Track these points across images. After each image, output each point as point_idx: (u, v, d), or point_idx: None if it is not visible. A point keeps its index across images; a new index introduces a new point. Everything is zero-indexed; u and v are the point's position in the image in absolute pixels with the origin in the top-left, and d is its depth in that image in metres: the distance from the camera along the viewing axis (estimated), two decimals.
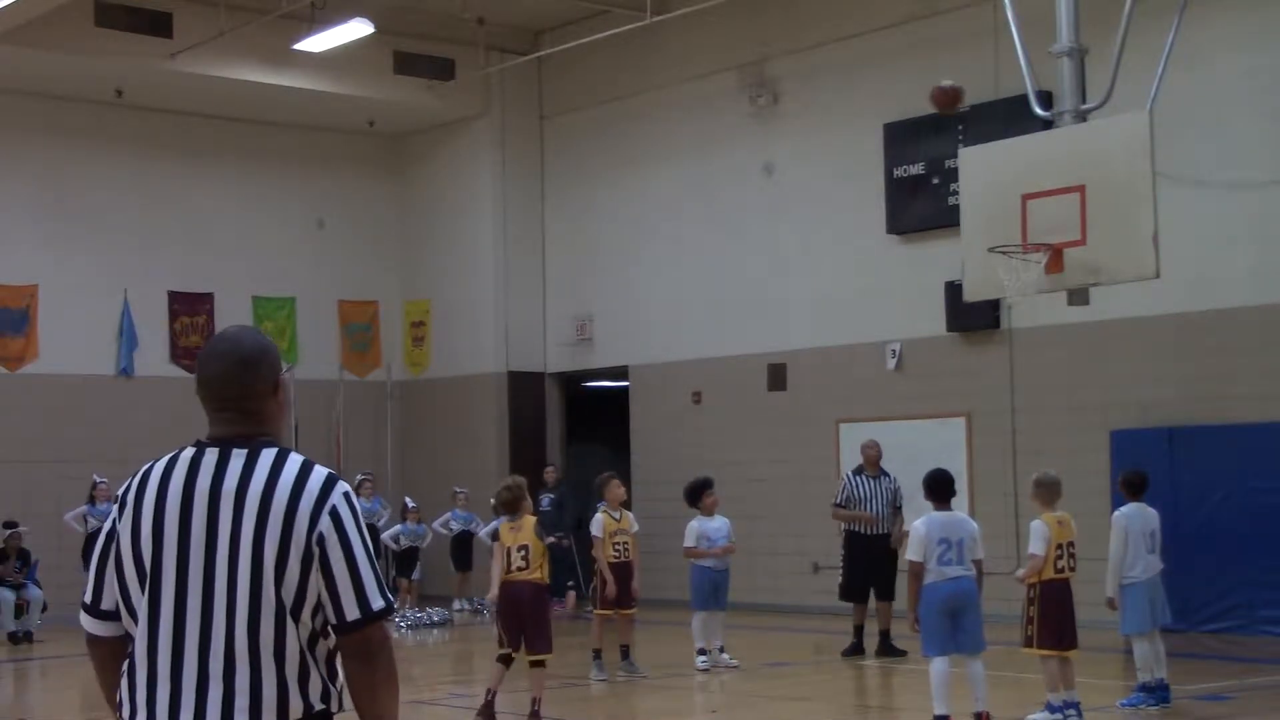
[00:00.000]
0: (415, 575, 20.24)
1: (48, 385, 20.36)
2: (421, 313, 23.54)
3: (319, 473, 3.45)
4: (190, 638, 3.37)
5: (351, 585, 3.41)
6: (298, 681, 3.37)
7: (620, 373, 21.89)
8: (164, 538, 3.42)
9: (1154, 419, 15.82)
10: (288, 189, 22.87)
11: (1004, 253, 12.46)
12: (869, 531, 14.73)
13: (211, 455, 3.48)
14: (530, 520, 10.95)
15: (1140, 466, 12.04)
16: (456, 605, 20.27)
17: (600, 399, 23.11)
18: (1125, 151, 12.17)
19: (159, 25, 19.52)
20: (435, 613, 19.22)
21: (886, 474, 14.96)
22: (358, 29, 19.43)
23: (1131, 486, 11.47)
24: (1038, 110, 13.19)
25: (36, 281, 20.66)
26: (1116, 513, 11.50)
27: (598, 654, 13.55)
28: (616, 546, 13.58)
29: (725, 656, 14.04)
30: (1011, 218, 12.54)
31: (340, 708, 3.48)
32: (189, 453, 3.52)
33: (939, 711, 9.91)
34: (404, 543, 20.06)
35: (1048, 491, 10.49)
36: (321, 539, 3.39)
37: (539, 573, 10.82)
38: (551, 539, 11.00)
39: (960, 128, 17.33)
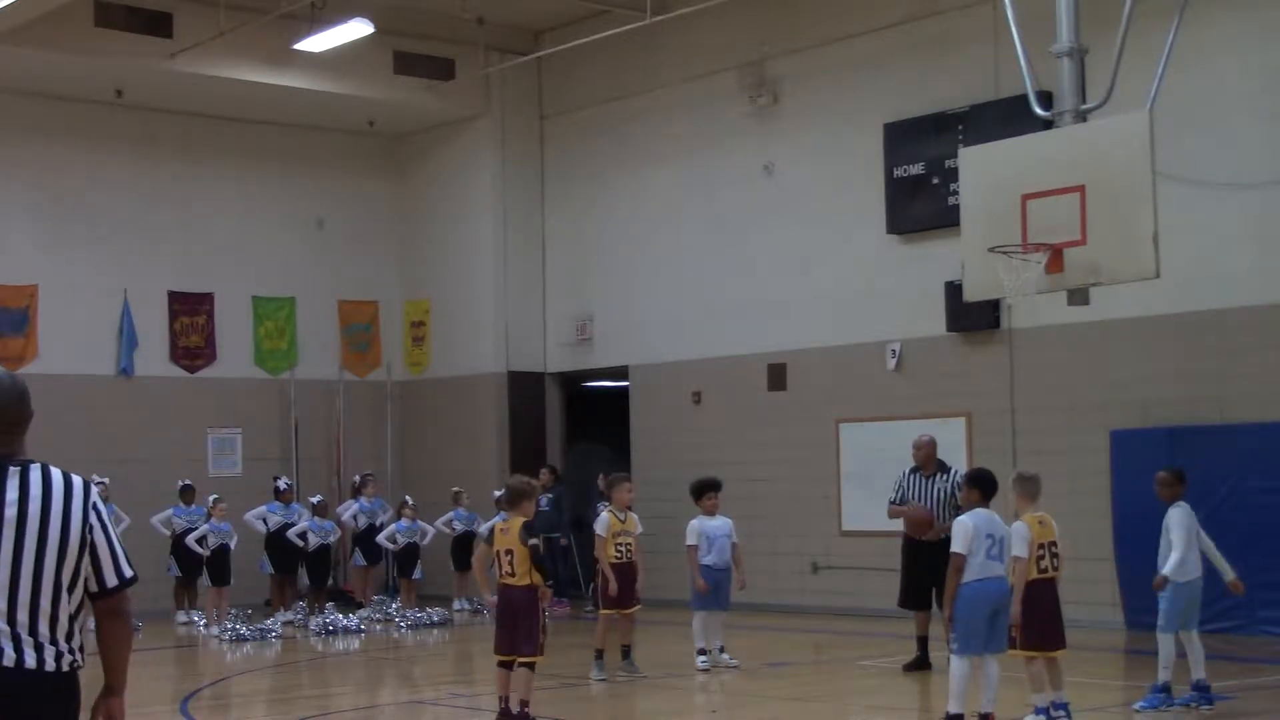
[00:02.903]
0: (416, 574, 20.22)
1: (48, 385, 20.25)
2: (421, 313, 23.55)
3: (77, 479, 4.53)
4: None
5: (111, 561, 4.53)
6: (65, 640, 4.44)
7: (620, 373, 21.89)
8: None
9: (1154, 419, 15.83)
10: (288, 189, 22.87)
11: (1004, 253, 12.46)
12: (920, 536, 13.49)
13: None
14: (518, 523, 10.84)
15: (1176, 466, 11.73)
16: (456, 605, 20.26)
17: (600, 399, 23.11)
18: (1125, 151, 12.16)
19: (159, 25, 19.52)
20: (435, 613, 19.20)
21: (946, 470, 13.73)
22: (358, 29, 19.43)
23: (1183, 480, 11.23)
24: (1038, 110, 13.19)
25: (36, 281, 20.67)
26: (1175, 506, 11.19)
27: (599, 654, 13.53)
28: (619, 547, 13.57)
29: (725, 656, 14.02)
30: (1011, 218, 12.53)
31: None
32: None
33: (955, 710, 9.85)
34: (401, 540, 20.03)
35: (1030, 487, 10.38)
36: (91, 529, 4.50)
37: (527, 578, 10.73)
38: (534, 540, 10.81)
39: (960, 128, 17.36)
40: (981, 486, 10.23)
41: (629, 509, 13.81)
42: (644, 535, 14.12)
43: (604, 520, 13.67)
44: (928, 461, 13.77)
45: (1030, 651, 10.18)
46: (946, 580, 10.05)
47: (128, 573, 4.57)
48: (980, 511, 10.04)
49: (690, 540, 14.04)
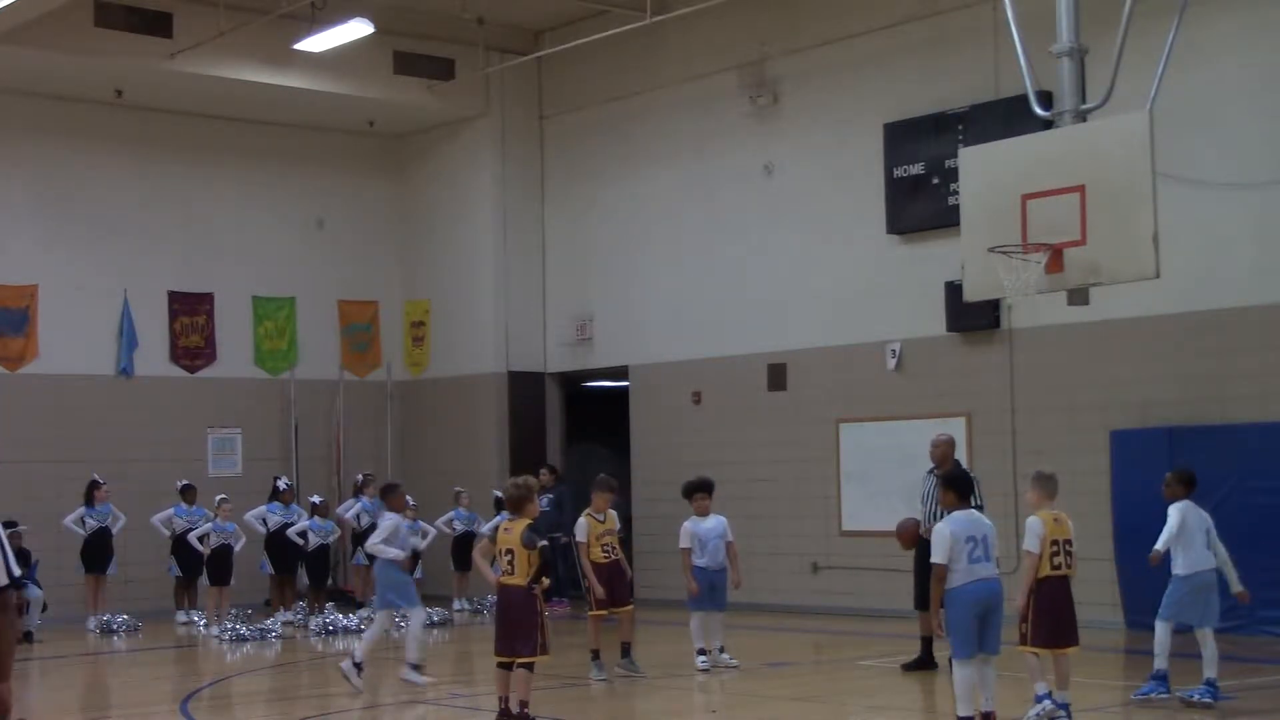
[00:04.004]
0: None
1: (48, 385, 20.36)
2: (421, 313, 23.55)
3: None
4: None
5: (1, 562, 5.14)
6: None
7: (620, 373, 21.89)
8: None
9: (1154, 419, 15.83)
10: (288, 189, 22.87)
11: (1004, 253, 12.46)
12: (928, 537, 12.83)
13: None
14: (521, 524, 10.85)
15: (1187, 466, 11.90)
16: (456, 605, 20.27)
17: (600, 399, 23.11)
18: (1125, 151, 12.17)
19: (159, 25, 19.52)
20: (435, 613, 19.18)
21: None
22: (358, 29, 19.43)
23: (1186, 483, 11.39)
24: (1038, 110, 13.20)
25: (36, 281, 20.67)
26: (1175, 504, 11.35)
27: (596, 654, 13.55)
28: (605, 547, 13.66)
29: (725, 656, 14.03)
30: (1011, 218, 12.54)
31: None
32: None
33: (963, 713, 9.81)
34: None
35: (1049, 486, 10.40)
36: None
37: (525, 578, 10.73)
38: (544, 542, 10.83)
39: (960, 128, 17.36)
40: (956, 487, 10.10)
41: (607, 510, 13.87)
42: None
43: (583, 525, 13.75)
44: (943, 461, 13.61)
45: (1039, 648, 10.14)
46: (931, 590, 9.95)
47: (16, 572, 5.23)
48: (958, 515, 9.84)
49: (683, 543, 14.05)
